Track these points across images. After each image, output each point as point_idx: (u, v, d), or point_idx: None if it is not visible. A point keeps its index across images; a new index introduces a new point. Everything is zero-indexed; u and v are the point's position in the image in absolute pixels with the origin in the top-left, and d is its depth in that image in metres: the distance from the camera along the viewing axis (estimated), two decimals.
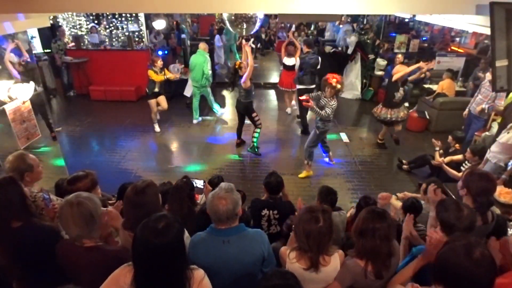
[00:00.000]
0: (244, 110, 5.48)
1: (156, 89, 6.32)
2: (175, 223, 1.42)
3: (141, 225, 1.40)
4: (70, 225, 1.61)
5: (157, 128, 6.70)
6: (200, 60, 6.61)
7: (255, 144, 5.58)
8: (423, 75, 7.82)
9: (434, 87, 7.40)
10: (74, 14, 8.71)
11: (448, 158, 4.35)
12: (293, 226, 1.93)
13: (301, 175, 5.09)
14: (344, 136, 6.51)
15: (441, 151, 4.56)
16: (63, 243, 1.73)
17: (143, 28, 8.64)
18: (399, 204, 3.18)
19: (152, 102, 6.43)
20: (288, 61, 6.72)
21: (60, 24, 8.77)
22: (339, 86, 4.27)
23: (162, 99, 6.52)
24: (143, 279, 1.39)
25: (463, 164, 4.21)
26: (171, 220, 1.42)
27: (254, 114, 5.48)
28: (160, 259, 1.36)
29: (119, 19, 8.77)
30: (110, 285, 1.45)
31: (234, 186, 1.90)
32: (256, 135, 5.54)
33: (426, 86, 7.73)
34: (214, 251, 1.77)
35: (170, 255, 1.37)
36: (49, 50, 8.35)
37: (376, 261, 1.73)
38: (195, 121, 7.08)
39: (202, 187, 3.02)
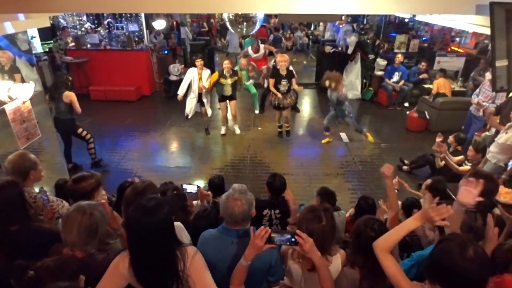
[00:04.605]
0: (67, 128, 4.84)
1: (226, 93, 6.00)
2: (165, 204, 1.50)
3: (133, 205, 1.50)
4: (73, 231, 1.60)
5: (223, 130, 6.48)
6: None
7: (96, 158, 5.15)
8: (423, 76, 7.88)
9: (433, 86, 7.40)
10: (74, 14, 8.71)
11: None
12: (296, 224, 1.92)
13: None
14: (344, 136, 6.50)
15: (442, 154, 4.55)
16: (56, 250, 1.71)
17: (143, 28, 8.64)
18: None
19: (222, 105, 6.19)
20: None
21: (61, 24, 8.79)
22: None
23: (232, 104, 6.16)
24: (137, 258, 1.48)
25: (463, 164, 4.21)
26: (161, 201, 1.52)
27: (80, 130, 4.87)
28: (150, 237, 1.44)
29: (119, 19, 8.77)
30: (112, 272, 1.51)
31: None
32: (92, 150, 5.05)
33: (426, 86, 7.73)
34: (221, 250, 1.78)
35: (159, 233, 1.45)
36: (48, 50, 8.35)
37: (369, 274, 1.70)
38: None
39: (196, 192, 2.94)
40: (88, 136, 4.93)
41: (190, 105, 6.24)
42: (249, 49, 7.82)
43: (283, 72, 5.70)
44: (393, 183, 2.19)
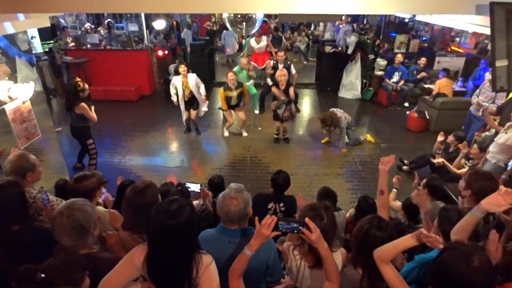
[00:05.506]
0: (79, 135, 4.83)
1: (232, 102, 6.09)
2: (187, 206, 1.48)
3: (156, 207, 1.48)
4: (62, 235, 1.60)
5: (226, 133, 6.50)
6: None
7: None
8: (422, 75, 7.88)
9: (434, 86, 7.41)
10: (75, 14, 8.73)
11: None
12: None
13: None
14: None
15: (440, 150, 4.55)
16: (60, 246, 1.70)
17: (143, 28, 8.65)
18: (397, 204, 3.17)
19: (228, 114, 6.25)
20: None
21: (61, 24, 8.80)
22: None
23: (240, 111, 6.29)
24: (154, 258, 1.47)
25: (463, 165, 4.21)
26: (183, 203, 1.48)
27: (89, 142, 4.82)
28: (171, 239, 1.43)
29: (119, 19, 8.78)
30: (126, 263, 1.52)
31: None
32: (93, 167, 4.82)
33: (426, 86, 7.73)
34: (219, 250, 1.78)
35: (181, 236, 1.44)
36: (48, 50, 8.35)
37: (371, 275, 1.68)
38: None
39: (199, 191, 2.94)
40: (94, 151, 4.87)
41: (184, 115, 6.28)
42: (251, 41, 7.73)
43: (283, 87, 5.67)
44: (387, 173, 2.20)
